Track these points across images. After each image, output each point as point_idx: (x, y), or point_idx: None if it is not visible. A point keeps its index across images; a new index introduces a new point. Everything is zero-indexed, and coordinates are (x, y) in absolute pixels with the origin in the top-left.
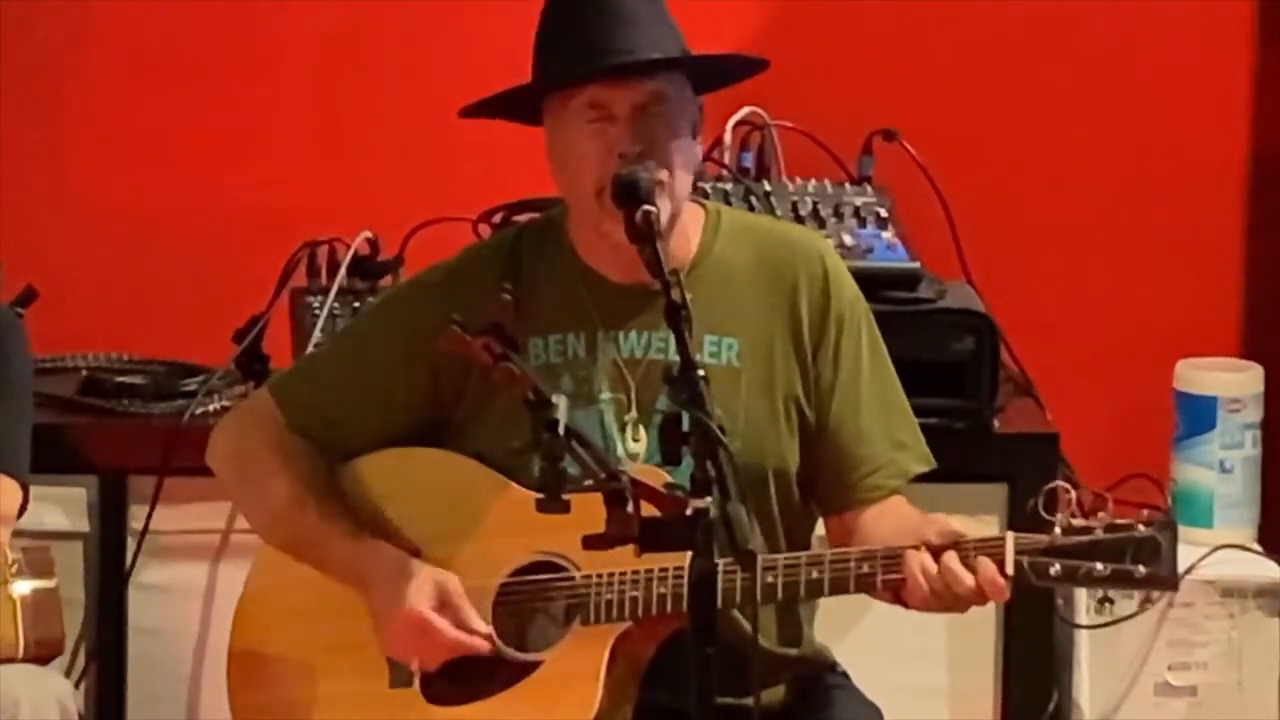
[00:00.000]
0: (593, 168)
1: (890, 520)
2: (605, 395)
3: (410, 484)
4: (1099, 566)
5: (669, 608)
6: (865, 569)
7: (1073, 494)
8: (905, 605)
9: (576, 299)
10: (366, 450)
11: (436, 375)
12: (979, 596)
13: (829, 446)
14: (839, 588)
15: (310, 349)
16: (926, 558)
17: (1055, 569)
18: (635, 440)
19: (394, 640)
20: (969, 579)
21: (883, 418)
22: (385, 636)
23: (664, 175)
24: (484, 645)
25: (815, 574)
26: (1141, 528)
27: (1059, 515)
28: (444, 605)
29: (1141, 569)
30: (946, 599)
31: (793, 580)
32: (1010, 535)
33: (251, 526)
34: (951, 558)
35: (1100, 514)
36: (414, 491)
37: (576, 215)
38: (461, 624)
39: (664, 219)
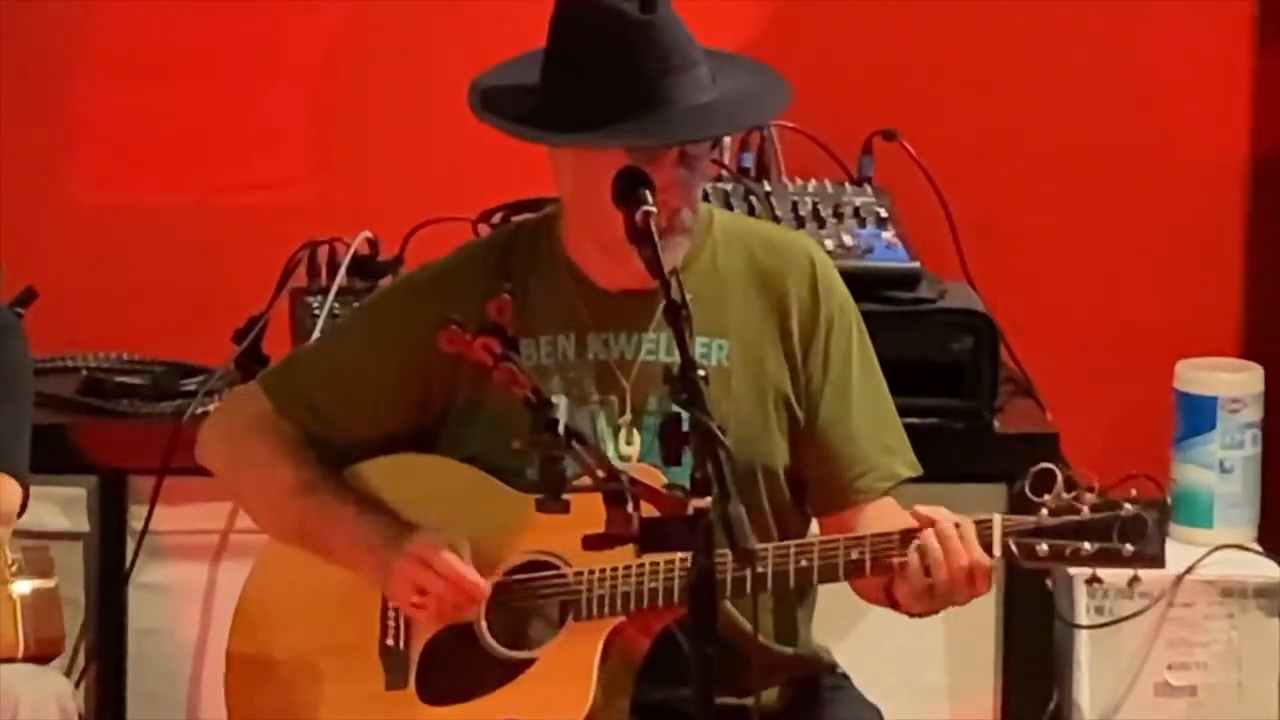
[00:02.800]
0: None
1: (886, 523)
2: (595, 397)
3: (405, 489)
4: (1086, 546)
5: (660, 601)
6: (854, 555)
7: (1060, 477)
8: (896, 605)
9: (567, 300)
10: (355, 448)
11: (425, 375)
12: (966, 580)
13: (819, 447)
14: (828, 575)
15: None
16: (926, 533)
17: (1042, 548)
18: (629, 443)
19: (397, 581)
20: (956, 537)
21: (871, 421)
22: (389, 585)
23: (692, 221)
24: (482, 588)
25: (804, 562)
26: (1129, 506)
27: (1046, 497)
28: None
29: (1129, 547)
30: (935, 580)
31: (782, 569)
32: (998, 517)
33: (253, 518)
34: (944, 524)
35: (1088, 495)
36: (409, 496)
37: (589, 240)
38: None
39: (681, 257)
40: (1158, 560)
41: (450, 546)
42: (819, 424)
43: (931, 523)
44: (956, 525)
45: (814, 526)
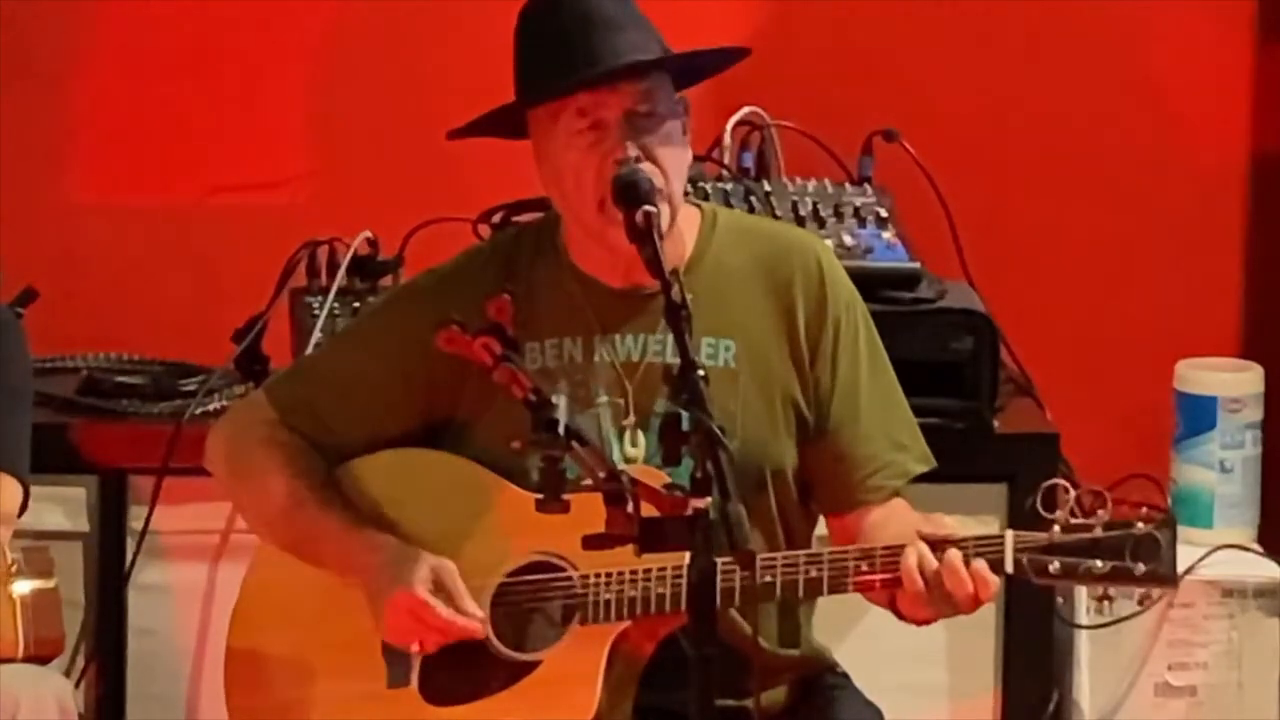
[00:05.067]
0: (591, 180)
1: (895, 526)
2: (602, 399)
3: (408, 485)
4: (1098, 564)
5: (667, 607)
6: (864, 567)
7: (1071, 492)
8: (899, 613)
9: (573, 303)
10: (362, 452)
11: (432, 379)
12: (970, 597)
13: (829, 448)
14: (838, 586)
15: (309, 350)
16: (925, 550)
17: (1054, 566)
18: (634, 445)
19: (391, 625)
20: (964, 572)
21: (882, 419)
22: (383, 622)
23: (661, 182)
24: (478, 629)
25: (814, 572)
26: (1141, 525)
27: (1058, 513)
28: (439, 589)
29: (1141, 567)
30: (938, 596)
31: (791, 579)
32: (1010, 533)
33: (250, 526)
34: (954, 554)
35: (1099, 512)
36: (412, 492)
37: (575, 227)
38: (456, 608)
39: (664, 224)
40: (1170, 580)
41: (438, 578)
42: (830, 426)
43: (946, 539)
44: (968, 544)
45: (820, 527)
